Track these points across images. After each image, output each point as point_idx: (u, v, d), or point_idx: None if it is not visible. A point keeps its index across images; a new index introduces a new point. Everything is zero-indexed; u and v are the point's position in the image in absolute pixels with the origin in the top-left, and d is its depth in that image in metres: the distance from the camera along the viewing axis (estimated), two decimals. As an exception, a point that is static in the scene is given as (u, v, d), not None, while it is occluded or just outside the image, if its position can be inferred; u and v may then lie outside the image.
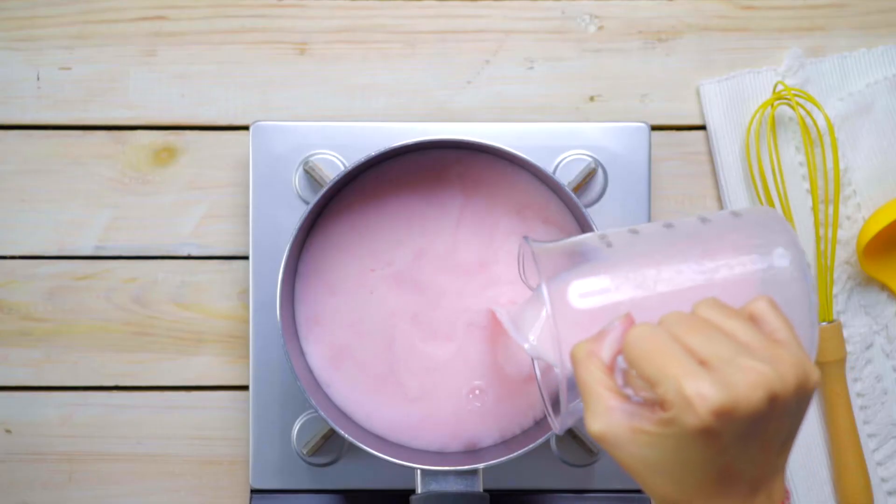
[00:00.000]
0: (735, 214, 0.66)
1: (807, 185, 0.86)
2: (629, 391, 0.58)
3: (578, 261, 0.65)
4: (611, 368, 0.59)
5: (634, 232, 0.66)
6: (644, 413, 0.57)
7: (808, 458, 0.86)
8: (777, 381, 0.55)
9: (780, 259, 0.63)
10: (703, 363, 0.55)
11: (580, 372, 0.59)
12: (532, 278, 0.74)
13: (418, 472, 0.76)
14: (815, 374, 0.57)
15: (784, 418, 0.56)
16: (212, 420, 0.87)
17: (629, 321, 0.60)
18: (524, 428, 0.80)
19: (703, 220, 0.65)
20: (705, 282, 0.63)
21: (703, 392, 0.54)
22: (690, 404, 0.54)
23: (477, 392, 0.80)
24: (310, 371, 0.80)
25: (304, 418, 0.83)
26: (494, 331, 0.79)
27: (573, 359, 0.60)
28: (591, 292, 0.64)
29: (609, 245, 0.65)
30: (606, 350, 0.59)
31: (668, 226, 0.66)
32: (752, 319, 0.59)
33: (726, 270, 0.63)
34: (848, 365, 0.86)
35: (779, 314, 0.59)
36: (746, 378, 0.54)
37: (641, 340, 0.57)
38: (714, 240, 0.64)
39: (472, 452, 0.80)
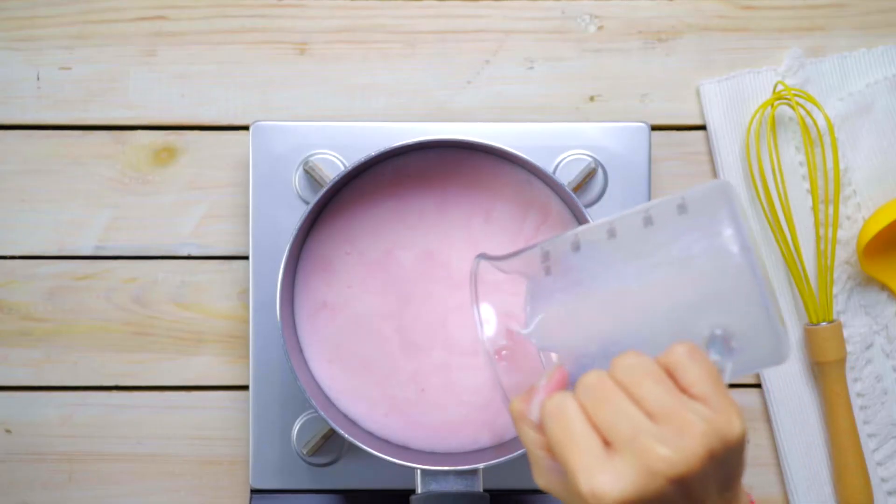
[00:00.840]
0: (681, 209, 0.60)
1: (807, 185, 0.86)
2: None
3: (522, 285, 0.63)
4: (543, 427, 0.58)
5: (576, 248, 0.62)
6: None
7: (808, 458, 0.86)
8: (679, 462, 0.52)
9: (733, 272, 0.57)
10: (607, 444, 0.54)
11: (517, 430, 0.59)
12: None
13: (418, 472, 0.76)
14: (734, 431, 0.54)
15: (705, 481, 0.54)
16: (212, 420, 0.87)
17: (556, 379, 0.59)
18: None
19: (647, 220, 0.60)
20: (646, 307, 0.59)
21: (597, 490, 0.52)
22: (587, 502, 0.53)
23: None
24: (310, 371, 0.80)
25: (304, 418, 0.83)
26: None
27: (511, 415, 0.59)
28: (525, 327, 0.62)
29: (548, 272, 0.62)
30: (535, 412, 0.58)
31: (612, 234, 0.61)
32: (669, 372, 0.55)
33: (669, 291, 0.58)
34: (848, 365, 0.86)
35: (695, 362, 0.55)
36: (645, 463, 0.52)
37: (550, 419, 0.55)
38: (657, 250, 0.59)
39: (472, 453, 0.80)
